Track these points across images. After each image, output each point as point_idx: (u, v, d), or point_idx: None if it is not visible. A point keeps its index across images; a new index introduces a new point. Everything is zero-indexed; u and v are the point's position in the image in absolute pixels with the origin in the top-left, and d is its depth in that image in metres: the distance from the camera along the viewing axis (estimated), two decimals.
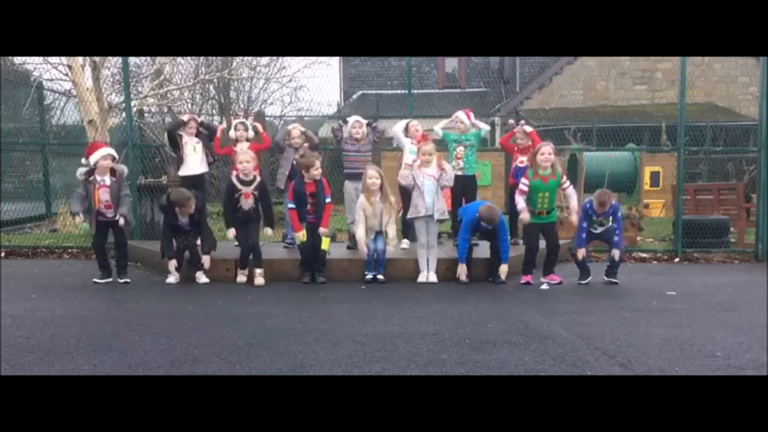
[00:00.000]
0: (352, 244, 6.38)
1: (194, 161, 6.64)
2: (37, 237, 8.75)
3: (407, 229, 6.83)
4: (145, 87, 12.00)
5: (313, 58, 14.26)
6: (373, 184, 5.82)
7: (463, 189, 6.57)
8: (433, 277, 5.96)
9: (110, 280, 5.87)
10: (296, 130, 6.66)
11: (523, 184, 5.83)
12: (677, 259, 7.71)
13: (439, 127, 7.04)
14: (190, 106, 15.27)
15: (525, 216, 5.83)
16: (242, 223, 5.80)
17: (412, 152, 6.49)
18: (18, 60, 11.64)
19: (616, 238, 5.85)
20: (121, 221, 5.74)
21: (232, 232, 5.82)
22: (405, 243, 6.75)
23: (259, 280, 5.76)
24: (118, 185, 5.76)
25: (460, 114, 6.82)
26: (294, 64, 25.60)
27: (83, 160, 5.78)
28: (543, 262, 6.00)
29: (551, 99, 17.42)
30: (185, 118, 6.77)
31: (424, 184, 5.93)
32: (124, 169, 5.95)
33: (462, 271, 5.85)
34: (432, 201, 5.93)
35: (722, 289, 5.90)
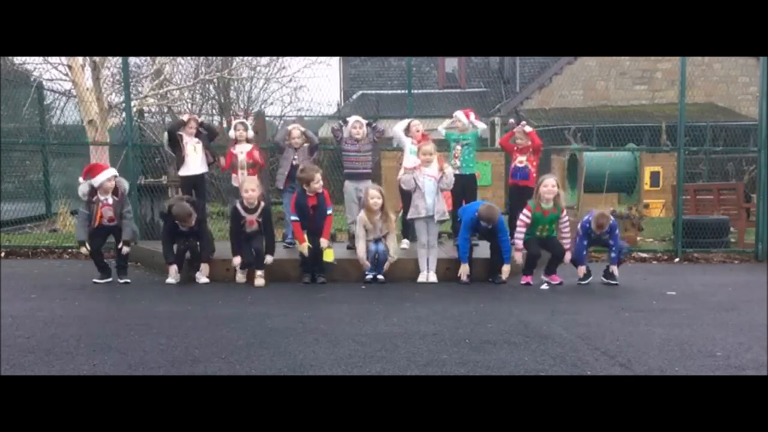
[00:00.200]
0: (352, 245, 6.38)
1: (194, 161, 6.66)
2: (37, 237, 8.75)
3: (407, 229, 6.83)
4: (145, 87, 12.00)
5: (313, 58, 14.27)
6: (375, 204, 5.83)
7: (463, 189, 6.57)
8: (433, 277, 5.96)
9: (110, 280, 5.88)
10: (296, 130, 6.68)
11: (525, 216, 5.84)
12: (677, 259, 7.71)
13: (442, 127, 7.04)
14: (190, 106, 15.26)
15: (518, 257, 5.87)
16: (246, 238, 5.85)
17: (413, 152, 6.49)
18: (18, 60, 11.64)
19: (612, 255, 5.88)
20: (125, 250, 5.84)
21: (237, 260, 5.83)
22: (405, 243, 6.75)
23: (260, 282, 5.77)
24: (121, 203, 5.83)
25: (459, 113, 6.85)
26: (294, 64, 25.61)
27: (81, 179, 5.79)
28: (545, 263, 6.00)
29: (551, 99, 17.42)
30: (185, 118, 6.77)
31: (424, 184, 5.93)
32: (126, 187, 5.97)
33: (464, 270, 5.85)
34: (432, 202, 5.93)
35: (722, 289, 5.90)
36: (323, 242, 5.83)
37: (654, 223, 10.15)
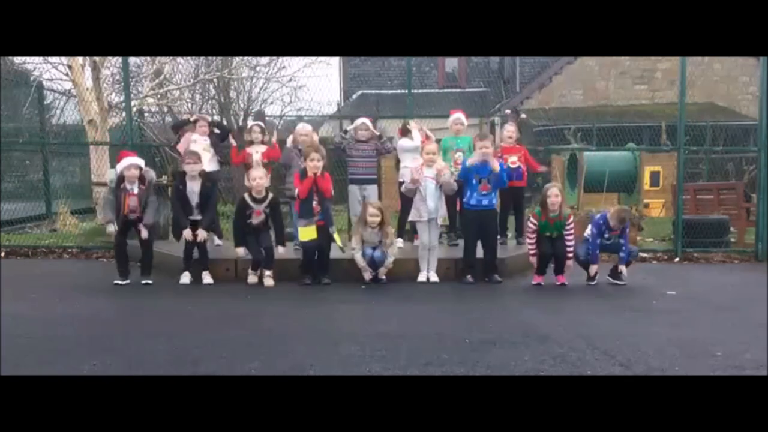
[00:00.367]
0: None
1: (204, 159, 6.64)
2: (37, 237, 8.75)
3: (403, 230, 6.82)
4: (145, 87, 12.01)
5: (313, 58, 14.25)
6: (373, 222, 5.80)
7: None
8: (433, 277, 5.96)
9: (129, 281, 5.78)
10: (302, 130, 6.65)
11: (532, 223, 5.85)
12: (677, 259, 7.71)
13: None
14: (190, 105, 15.28)
15: (533, 261, 5.88)
16: (253, 232, 5.80)
17: (408, 151, 6.50)
18: (18, 60, 11.64)
19: (622, 254, 5.87)
20: (144, 234, 5.73)
21: (242, 251, 5.79)
22: (400, 242, 6.70)
23: (269, 282, 5.75)
24: (146, 193, 5.76)
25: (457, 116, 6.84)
26: (294, 63, 25.58)
27: (110, 170, 5.76)
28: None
29: (551, 99, 17.41)
30: (193, 117, 6.79)
31: (426, 187, 5.91)
32: (152, 177, 5.92)
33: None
34: (435, 205, 5.92)
35: (722, 289, 5.91)
36: (331, 229, 5.79)
37: (654, 222, 10.15)
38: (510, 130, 6.89)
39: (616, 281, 5.89)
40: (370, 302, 5.16)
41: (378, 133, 6.81)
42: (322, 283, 5.77)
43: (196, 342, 3.79)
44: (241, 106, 17.05)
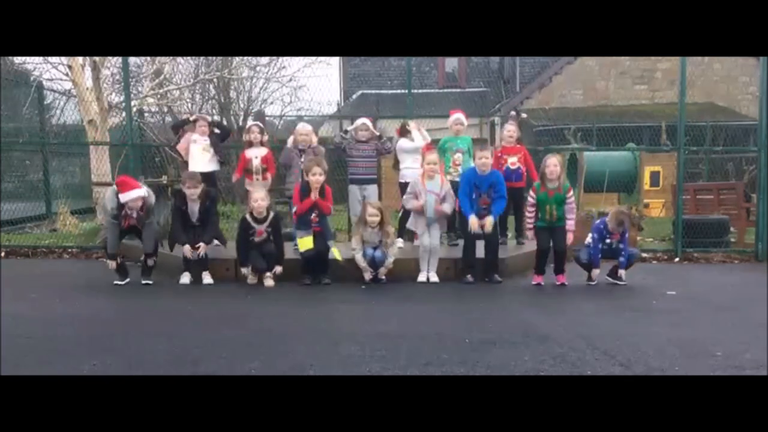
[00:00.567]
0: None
1: (203, 159, 6.65)
2: (37, 237, 8.75)
3: (403, 230, 6.82)
4: (145, 87, 12.01)
5: (313, 58, 14.26)
6: (373, 222, 5.81)
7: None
8: (434, 277, 5.96)
9: (128, 281, 5.79)
10: (302, 130, 6.65)
11: (531, 197, 5.84)
12: (677, 259, 7.70)
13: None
14: (190, 105, 15.28)
15: (529, 235, 5.92)
16: (256, 247, 5.79)
17: (407, 151, 6.50)
18: (18, 60, 11.64)
19: (622, 259, 5.87)
20: (150, 263, 5.77)
21: (246, 271, 5.84)
22: (400, 242, 6.70)
23: (269, 282, 5.76)
24: (145, 216, 5.77)
25: (457, 116, 6.83)
26: (294, 63, 25.53)
27: (108, 192, 5.71)
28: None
29: (551, 99, 17.42)
30: (193, 117, 6.79)
31: (426, 201, 5.90)
32: (152, 201, 5.88)
33: (474, 223, 5.74)
34: (434, 217, 5.92)
35: (722, 289, 5.91)
36: (330, 243, 5.83)
37: (654, 222, 10.14)
38: (510, 129, 6.89)
39: (615, 281, 5.89)
40: (370, 302, 5.16)
41: (378, 134, 6.82)
42: (322, 283, 5.77)
43: (196, 342, 3.79)
44: (241, 106, 17.05)
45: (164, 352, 3.59)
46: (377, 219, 5.80)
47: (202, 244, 5.78)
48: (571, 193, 5.86)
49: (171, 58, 12.37)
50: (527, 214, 5.93)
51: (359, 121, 6.72)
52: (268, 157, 6.66)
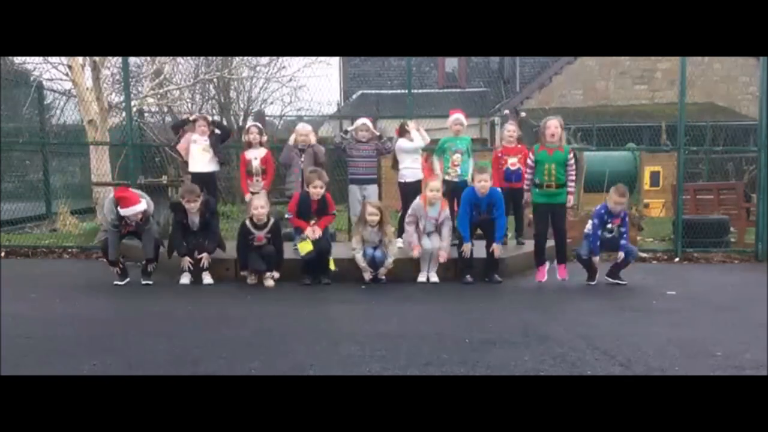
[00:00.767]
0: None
1: (203, 159, 6.65)
2: (37, 237, 8.75)
3: (403, 230, 6.80)
4: (145, 87, 12.01)
5: (313, 58, 14.26)
6: (372, 221, 5.82)
7: (459, 195, 6.54)
8: (434, 277, 5.96)
9: (128, 280, 5.79)
10: (302, 130, 6.64)
11: (530, 159, 5.79)
12: (677, 259, 7.70)
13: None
14: (190, 105, 15.28)
15: (527, 197, 5.89)
16: (256, 250, 5.79)
17: (407, 151, 6.50)
18: (18, 60, 11.64)
19: (623, 242, 5.82)
20: (150, 268, 5.78)
21: (246, 274, 5.84)
22: (400, 242, 6.70)
23: (269, 282, 5.76)
24: (144, 224, 5.76)
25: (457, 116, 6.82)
26: (294, 63, 25.58)
27: (107, 202, 5.71)
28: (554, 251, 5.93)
29: (551, 99, 17.41)
30: (193, 117, 6.79)
31: (425, 226, 5.92)
32: (151, 211, 5.88)
33: (466, 248, 5.79)
34: (432, 240, 5.92)
35: (722, 289, 5.90)
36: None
37: (654, 222, 10.15)
38: (511, 129, 6.88)
39: (615, 281, 5.88)
40: (370, 302, 5.16)
41: (378, 134, 6.82)
42: (322, 283, 5.77)
43: (196, 342, 3.80)
44: (241, 106, 17.06)
45: (164, 352, 3.59)
46: (376, 218, 5.81)
47: (204, 255, 5.80)
48: (572, 155, 5.77)
49: (171, 58, 12.37)
50: (525, 175, 5.89)
51: (359, 121, 6.73)
52: (267, 158, 6.67)
